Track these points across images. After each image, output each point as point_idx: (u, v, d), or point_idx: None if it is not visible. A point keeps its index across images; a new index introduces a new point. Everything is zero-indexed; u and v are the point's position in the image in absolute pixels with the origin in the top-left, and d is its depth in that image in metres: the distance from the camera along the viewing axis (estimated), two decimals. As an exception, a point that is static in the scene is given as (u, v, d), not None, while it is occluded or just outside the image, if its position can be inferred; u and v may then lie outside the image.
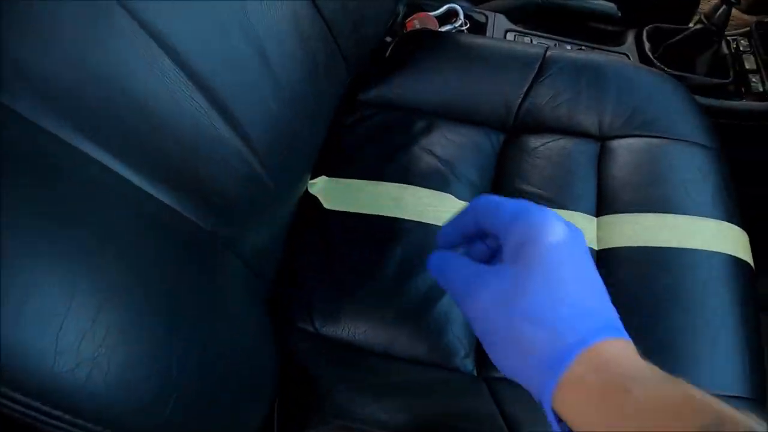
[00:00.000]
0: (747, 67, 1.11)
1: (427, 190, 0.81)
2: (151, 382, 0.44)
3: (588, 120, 0.90)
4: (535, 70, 0.91)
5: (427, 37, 0.96)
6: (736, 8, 1.16)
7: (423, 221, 0.79)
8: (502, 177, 0.86)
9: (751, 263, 0.82)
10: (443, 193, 0.81)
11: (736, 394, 0.70)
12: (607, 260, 0.78)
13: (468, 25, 1.08)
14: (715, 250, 0.79)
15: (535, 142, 0.88)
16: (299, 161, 0.76)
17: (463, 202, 0.81)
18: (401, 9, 0.94)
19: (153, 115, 0.51)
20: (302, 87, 0.72)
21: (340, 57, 0.82)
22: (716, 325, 0.74)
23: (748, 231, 0.84)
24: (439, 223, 0.78)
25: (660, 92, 0.92)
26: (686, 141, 0.88)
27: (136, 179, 0.49)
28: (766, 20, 1.14)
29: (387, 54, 0.93)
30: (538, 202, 0.79)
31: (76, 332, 0.39)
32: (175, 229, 0.53)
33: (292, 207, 0.77)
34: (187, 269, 0.53)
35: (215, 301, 0.57)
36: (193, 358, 0.49)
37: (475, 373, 0.71)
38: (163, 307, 0.48)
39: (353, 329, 0.72)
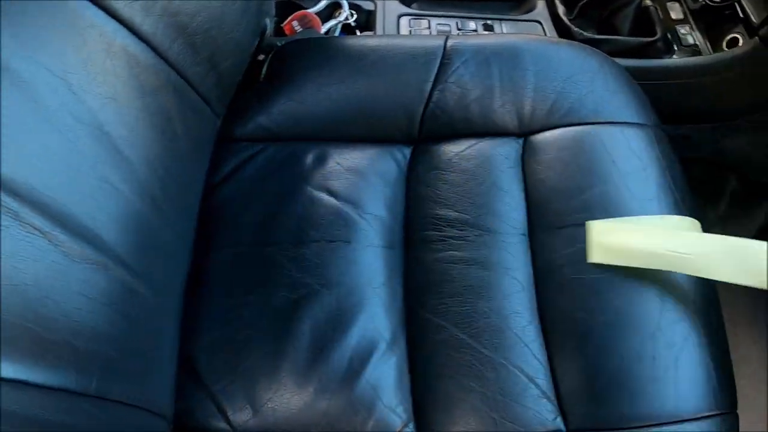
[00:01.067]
0: (674, 17, 0.99)
1: (330, 243, 0.68)
2: None
3: (506, 116, 0.77)
4: (437, 68, 0.77)
5: (305, 47, 0.81)
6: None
7: (326, 282, 0.66)
8: (415, 204, 0.73)
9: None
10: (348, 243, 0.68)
11: (707, 414, 0.63)
12: (545, 285, 0.68)
13: (355, 16, 0.93)
14: (667, 252, 0.68)
15: (448, 151, 0.76)
16: (176, 249, 0.63)
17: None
18: (268, 23, 0.79)
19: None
20: (158, 155, 0.60)
21: (200, 102, 0.68)
22: (678, 345, 0.64)
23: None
24: (348, 279, 0.66)
25: (583, 71, 0.79)
26: (620, 123, 0.77)
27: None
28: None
29: (262, 76, 0.78)
30: (462, 229, 0.69)
31: None
32: (53, 417, 0.42)
33: (179, 309, 0.64)
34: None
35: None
36: None
37: None
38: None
39: (274, 419, 0.62)
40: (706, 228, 1.10)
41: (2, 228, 0.41)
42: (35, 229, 0.44)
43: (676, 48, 0.97)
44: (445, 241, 0.70)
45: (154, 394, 0.57)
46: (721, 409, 0.64)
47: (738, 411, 0.98)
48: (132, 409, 0.52)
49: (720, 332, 0.69)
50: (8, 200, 0.42)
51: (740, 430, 1.01)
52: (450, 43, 0.79)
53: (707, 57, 0.93)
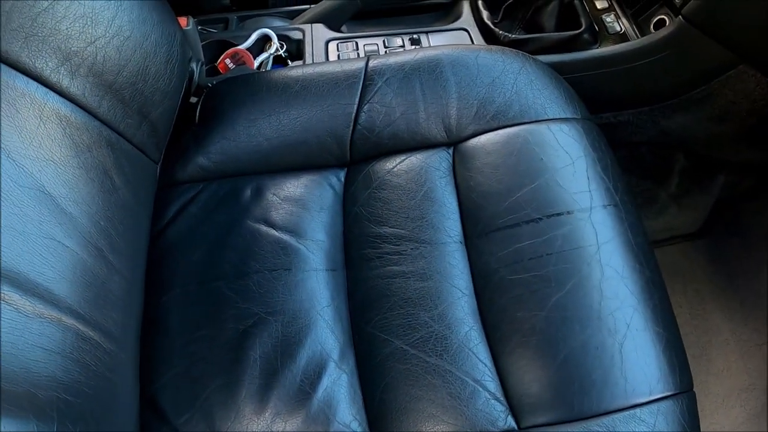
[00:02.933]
0: (599, 6, 1.01)
1: (272, 272, 0.70)
2: None
3: (433, 128, 0.79)
4: (360, 90, 0.80)
5: (234, 85, 0.83)
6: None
7: (272, 309, 0.68)
8: (353, 225, 0.75)
9: (645, 237, 0.74)
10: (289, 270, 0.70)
11: (660, 396, 0.64)
12: (484, 289, 0.69)
13: (285, 47, 0.95)
14: (603, 241, 0.70)
15: (380, 170, 0.78)
16: (127, 294, 0.66)
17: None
18: (195, 68, 0.81)
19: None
20: (99, 208, 0.63)
21: (135, 152, 0.71)
22: (621, 331, 0.66)
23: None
24: (292, 305, 0.68)
25: (505, 74, 0.81)
26: (546, 120, 0.79)
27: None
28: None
29: (197, 118, 0.80)
30: (397, 244, 0.71)
31: None
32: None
33: (135, 351, 0.67)
34: None
35: None
36: None
37: None
38: None
39: None
40: (660, 209, 1.13)
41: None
42: None
43: (601, 37, 0.98)
44: (383, 257, 0.72)
45: (117, 434, 0.59)
46: (674, 389, 0.65)
47: (710, 380, 1.00)
48: (97, 450, 0.54)
49: (665, 314, 0.70)
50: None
51: (714, 398, 1.02)
52: (371, 64, 0.81)
53: (633, 42, 0.95)
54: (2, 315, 0.48)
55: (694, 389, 0.69)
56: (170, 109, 0.75)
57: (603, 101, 0.99)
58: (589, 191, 0.73)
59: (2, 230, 0.50)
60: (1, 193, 0.51)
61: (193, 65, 0.80)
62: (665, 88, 0.99)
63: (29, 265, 0.52)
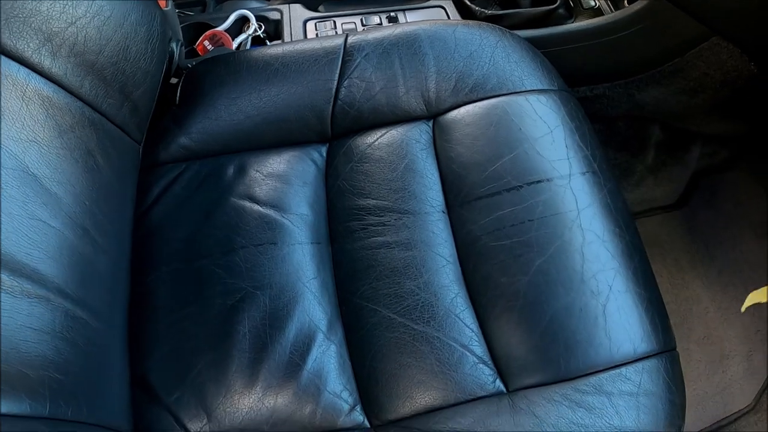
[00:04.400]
0: (574, -19, 1.03)
1: (257, 247, 0.71)
2: None
3: (412, 102, 0.80)
4: (339, 66, 0.80)
5: (213, 65, 0.83)
6: None
7: (259, 284, 0.69)
8: (336, 198, 0.76)
9: (623, 202, 0.76)
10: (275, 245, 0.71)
11: (644, 355, 0.66)
12: (468, 256, 0.71)
13: (263, 27, 0.95)
14: (583, 206, 0.71)
15: (361, 144, 0.79)
16: (112, 273, 0.66)
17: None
18: (176, 48, 0.81)
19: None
20: (83, 188, 0.63)
21: (118, 132, 0.71)
22: (604, 293, 0.67)
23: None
24: (279, 278, 0.69)
25: (483, 47, 0.82)
26: (523, 92, 0.80)
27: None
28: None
29: (177, 98, 0.81)
30: (380, 215, 0.72)
31: None
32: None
33: (123, 329, 0.67)
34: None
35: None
36: None
37: (366, 423, 0.65)
38: None
39: (229, 422, 0.65)
40: (638, 180, 1.14)
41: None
42: None
43: (575, 12, 1.00)
44: (367, 229, 0.72)
45: (109, 412, 0.59)
46: (658, 348, 0.66)
47: (692, 347, 1.02)
48: (89, 427, 0.54)
49: (646, 276, 0.71)
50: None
51: (696, 365, 1.04)
52: (350, 40, 0.82)
53: (608, 16, 0.97)
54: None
55: (677, 349, 0.70)
56: (151, 89, 0.75)
57: (579, 75, 1.01)
58: (568, 159, 0.75)
59: None
60: None
61: (173, 45, 0.80)
62: (639, 61, 1.01)
63: (16, 246, 0.53)
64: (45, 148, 0.59)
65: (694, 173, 1.20)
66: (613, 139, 1.19)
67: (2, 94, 0.57)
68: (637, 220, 1.16)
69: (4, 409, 0.46)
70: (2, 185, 0.53)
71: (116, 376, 0.64)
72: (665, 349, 0.67)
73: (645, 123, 1.16)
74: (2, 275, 0.50)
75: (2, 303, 0.49)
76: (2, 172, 0.54)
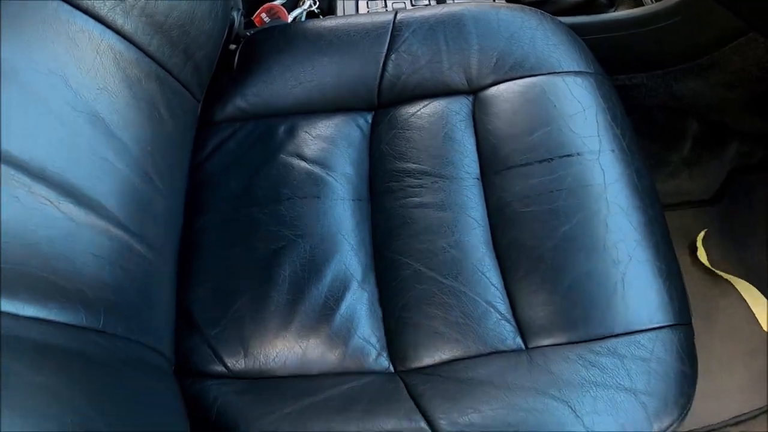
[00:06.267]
0: (616, -27, 1.07)
1: (302, 199, 0.77)
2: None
3: (455, 76, 0.85)
4: (388, 40, 0.86)
5: (270, 34, 0.90)
6: None
7: (301, 233, 0.74)
8: (378, 161, 0.81)
9: (650, 182, 0.79)
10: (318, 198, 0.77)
11: (659, 325, 0.69)
12: (497, 221, 0.75)
13: (318, 3, 1.02)
14: (610, 181, 0.75)
15: (404, 113, 0.84)
16: (168, 214, 0.72)
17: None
18: (236, 16, 0.88)
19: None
20: (147, 136, 0.69)
21: (181, 89, 0.77)
22: (624, 262, 0.71)
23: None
24: (320, 229, 0.75)
25: (524, 29, 0.87)
26: (560, 72, 0.84)
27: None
28: None
29: (235, 63, 0.87)
30: (419, 178, 0.77)
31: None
32: (67, 345, 0.51)
33: (173, 264, 0.74)
34: (95, 383, 0.51)
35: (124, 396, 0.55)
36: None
37: (391, 369, 0.70)
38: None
39: (264, 358, 0.70)
40: (672, 172, 1.16)
41: (19, 198, 0.50)
42: (46, 200, 0.54)
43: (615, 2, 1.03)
44: (405, 189, 0.78)
45: (156, 337, 0.65)
46: (673, 320, 0.69)
47: (715, 343, 1.03)
48: (136, 344, 0.61)
49: (667, 250, 0.74)
50: (21, 177, 0.51)
51: (718, 360, 1.05)
52: (399, 16, 0.88)
53: (647, 7, 1.00)
54: (59, 223, 0.54)
55: (692, 324, 0.73)
56: (212, 52, 0.82)
57: (617, 63, 1.04)
58: (598, 136, 0.79)
59: (61, 148, 0.57)
60: (60, 116, 0.58)
61: (234, 14, 0.86)
62: (677, 53, 1.04)
63: (84, 180, 0.59)
64: (114, 96, 0.66)
65: (729, 170, 1.22)
66: (650, 130, 1.21)
67: (78, 46, 0.63)
68: (670, 213, 1.18)
69: (63, 319, 0.51)
70: (74, 126, 0.60)
71: (164, 306, 0.70)
72: (680, 322, 0.70)
73: (682, 115, 1.18)
74: (70, 205, 0.56)
75: (69, 230, 0.55)
76: (75, 114, 0.60)
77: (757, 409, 1.05)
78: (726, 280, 1.13)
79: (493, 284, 0.72)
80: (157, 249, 0.68)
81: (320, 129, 0.83)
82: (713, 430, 1.02)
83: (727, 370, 1.06)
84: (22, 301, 0.48)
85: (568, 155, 0.77)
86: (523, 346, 0.68)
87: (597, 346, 0.67)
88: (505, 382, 0.65)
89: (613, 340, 0.68)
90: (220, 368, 0.70)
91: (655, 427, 0.64)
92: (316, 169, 0.79)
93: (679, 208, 1.21)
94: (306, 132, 0.82)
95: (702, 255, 1.15)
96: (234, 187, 0.79)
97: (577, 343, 0.68)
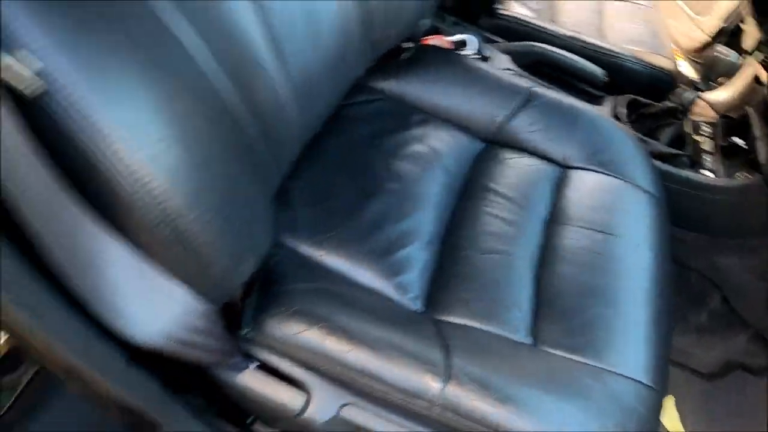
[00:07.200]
0: (705, 148, 1.27)
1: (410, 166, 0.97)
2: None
3: (555, 149, 1.06)
4: (521, 99, 1.08)
5: (439, 51, 1.14)
6: (706, 101, 1.33)
7: (400, 186, 0.95)
8: (475, 174, 1.01)
9: (671, 291, 0.95)
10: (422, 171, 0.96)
11: (640, 380, 0.81)
12: (551, 257, 0.93)
13: (478, 55, 1.26)
14: (643, 267, 0.92)
15: (507, 155, 1.05)
16: (299, 129, 0.89)
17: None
18: (425, 23, 1.12)
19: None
20: (336, 50, 0.90)
21: (368, 42, 0.98)
22: (630, 320, 0.87)
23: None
24: (414, 192, 0.93)
25: (621, 141, 1.08)
26: (635, 185, 1.04)
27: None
28: (729, 115, 1.31)
29: (402, 55, 1.10)
30: (501, 198, 0.96)
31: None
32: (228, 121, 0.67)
33: (284, 173, 0.89)
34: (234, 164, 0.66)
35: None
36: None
37: (425, 310, 0.84)
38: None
39: (329, 256, 0.86)
40: (682, 329, 1.27)
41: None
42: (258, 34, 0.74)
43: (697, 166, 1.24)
44: (487, 200, 0.97)
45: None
46: (650, 383, 0.81)
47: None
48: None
49: (666, 318, 0.90)
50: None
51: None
52: (534, 89, 1.11)
53: (717, 179, 1.20)
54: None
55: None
56: (398, 36, 1.06)
57: (674, 214, 1.22)
58: (644, 237, 0.97)
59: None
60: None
61: (425, 21, 1.11)
62: (726, 226, 1.22)
63: (286, 40, 0.78)
64: (331, 16, 0.88)
65: (728, 361, 1.34)
66: (679, 282, 1.36)
67: None
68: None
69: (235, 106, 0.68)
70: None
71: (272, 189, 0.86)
72: (657, 388, 0.82)
73: (711, 286, 1.34)
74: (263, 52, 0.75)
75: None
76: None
77: None
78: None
79: (525, 293, 0.88)
80: (306, 120, 0.87)
81: (446, 133, 1.04)
82: None
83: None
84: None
85: (614, 235, 0.95)
86: (533, 344, 0.83)
87: (588, 366, 0.81)
88: (511, 361, 0.79)
89: (595, 370, 0.80)
90: (291, 243, 0.85)
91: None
92: (429, 152, 0.99)
93: (676, 366, 1.32)
94: (436, 129, 1.04)
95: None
96: (360, 132, 1.00)
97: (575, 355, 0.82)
